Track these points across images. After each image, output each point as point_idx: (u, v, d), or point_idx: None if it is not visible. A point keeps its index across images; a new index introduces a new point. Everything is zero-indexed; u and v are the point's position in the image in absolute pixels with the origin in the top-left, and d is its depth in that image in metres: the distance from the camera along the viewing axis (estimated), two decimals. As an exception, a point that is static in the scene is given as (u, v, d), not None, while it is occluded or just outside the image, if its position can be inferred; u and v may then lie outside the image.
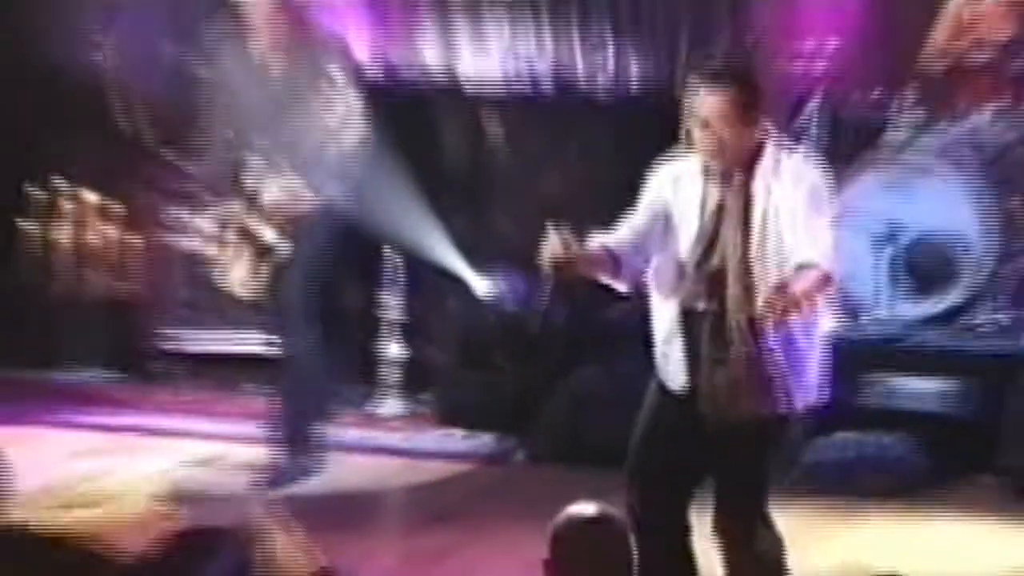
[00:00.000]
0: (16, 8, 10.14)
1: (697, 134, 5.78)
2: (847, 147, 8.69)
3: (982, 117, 8.78)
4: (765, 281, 5.71)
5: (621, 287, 6.01)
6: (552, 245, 5.66)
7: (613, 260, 5.86)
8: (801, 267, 5.58)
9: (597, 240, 5.84)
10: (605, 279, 5.92)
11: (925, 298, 8.57)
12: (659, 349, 6.01)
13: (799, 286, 5.47)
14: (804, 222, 5.74)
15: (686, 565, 6.07)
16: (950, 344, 8.41)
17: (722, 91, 5.75)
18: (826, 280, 5.59)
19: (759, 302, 5.66)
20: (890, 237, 8.47)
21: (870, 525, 7.62)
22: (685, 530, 6.07)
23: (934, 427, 8.12)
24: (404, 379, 9.36)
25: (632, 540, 4.76)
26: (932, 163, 8.63)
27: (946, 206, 8.55)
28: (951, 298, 8.53)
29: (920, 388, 8.23)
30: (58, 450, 8.70)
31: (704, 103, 5.75)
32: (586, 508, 4.70)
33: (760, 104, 5.85)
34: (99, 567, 4.95)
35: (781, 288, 5.49)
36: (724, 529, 5.99)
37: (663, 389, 6.01)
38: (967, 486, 8.04)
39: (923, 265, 8.56)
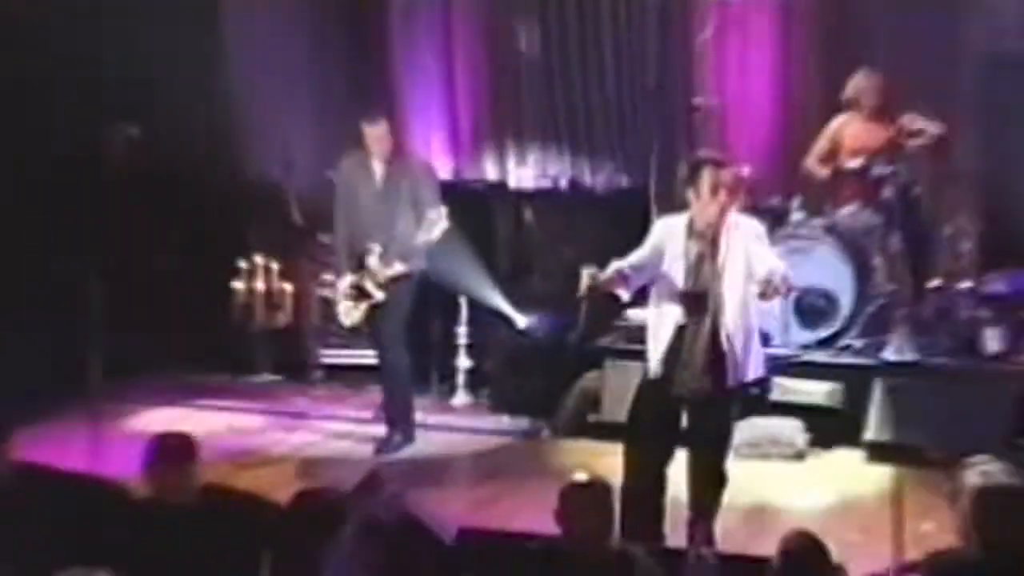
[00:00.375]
0: (226, 141, 10.29)
1: (706, 198, 5.88)
2: (762, 224, 8.61)
3: (849, 209, 8.70)
4: (731, 300, 5.86)
5: (625, 296, 6.06)
6: (586, 277, 5.84)
7: (623, 278, 5.94)
8: (774, 270, 5.75)
9: (615, 264, 5.95)
10: (617, 291, 5.98)
11: (813, 328, 8.47)
12: (650, 347, 6.04)
13: (777, 278, 5.69)
14: (759, 253, 5.91)
15: (656, 515, 5.99)
16: (829, 359, 8.31)
17: (724, 169, 5.94)
18: (788, 277, 5.79)
19: (733, 310, 5.85)
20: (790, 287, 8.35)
21: (771, 480, 7.58)
22: (661, 479, 6.03)
23: (816, 415, 8.04)
24: (469, 381, 9.31)
25: (614, 498, 4.68)
26: (818, 239, 8.55)
27: (828, 267, 8.46)
28: (830, 329, 8.46)
29: (808, 388, 8.13)
30: (241, 429, 8.63)
31: (716, 176, 5.88)
32: (581, 476, 4.63)
33: (738, 183, 6.17)
34: (267, 513, 4.99)
35: (770, 280, 5.69)
36: (694, 478, 6.01)
37: (648, 376, 6.05)
38: (838, 455, 8.00)
39: (812, 306, 8.46)
